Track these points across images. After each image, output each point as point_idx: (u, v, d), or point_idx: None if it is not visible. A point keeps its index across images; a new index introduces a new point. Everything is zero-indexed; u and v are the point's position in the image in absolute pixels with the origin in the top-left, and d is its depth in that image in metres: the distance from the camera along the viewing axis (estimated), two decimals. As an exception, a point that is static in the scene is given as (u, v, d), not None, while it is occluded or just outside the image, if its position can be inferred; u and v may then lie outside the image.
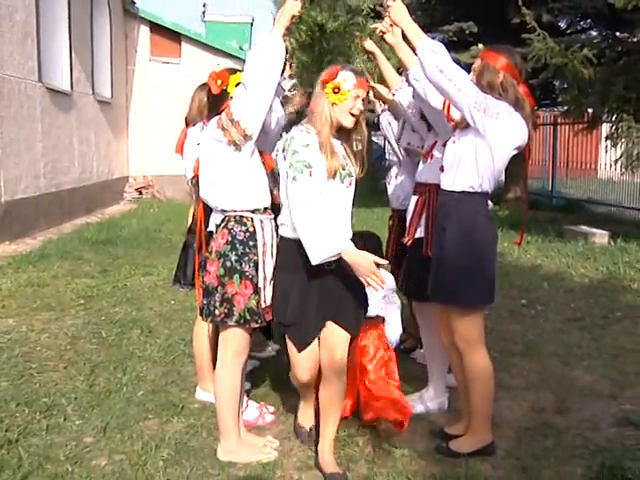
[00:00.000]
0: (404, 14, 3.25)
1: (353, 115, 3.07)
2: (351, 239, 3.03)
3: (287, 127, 3.95)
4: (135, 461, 3.23)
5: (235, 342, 3.21)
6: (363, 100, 3.10)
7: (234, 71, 3.41)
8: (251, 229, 3.16)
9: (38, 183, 9.99)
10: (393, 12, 3.28)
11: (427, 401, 3.89)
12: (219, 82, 3.37)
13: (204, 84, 3.71)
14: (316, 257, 2.89)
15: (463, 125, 3.27)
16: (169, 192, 14.95)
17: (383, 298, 3.69)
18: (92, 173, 12.61)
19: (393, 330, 3.78)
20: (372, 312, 3.47)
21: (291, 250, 3.06)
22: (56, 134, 10.73)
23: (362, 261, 2.88)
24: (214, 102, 3.40)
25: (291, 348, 3.18)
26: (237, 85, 3.27)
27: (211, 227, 3.48)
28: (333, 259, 2.90)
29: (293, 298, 3.08)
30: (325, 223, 2.91)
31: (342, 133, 3.14)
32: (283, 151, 3.06)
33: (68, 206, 11.12)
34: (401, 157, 4.40)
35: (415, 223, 3.84)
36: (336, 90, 3.04)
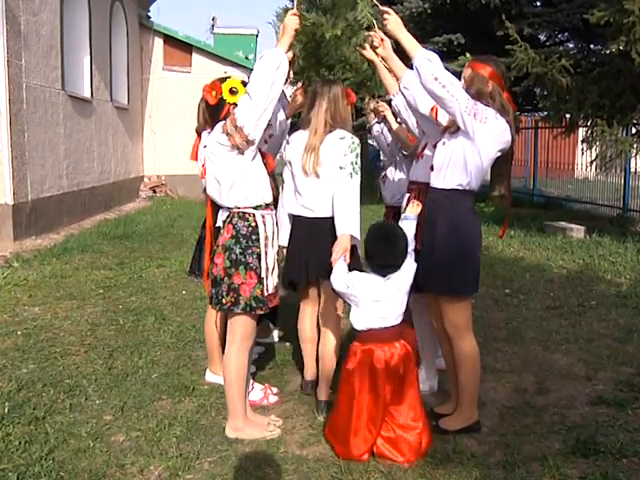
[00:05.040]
0: (400, 26, 3.24)
1: None
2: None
3: (290, 128, 3.95)
4: (150, 437, 3.24)
5: (242, 328, 3.21)
6: None
7: (223, 80, 3.38)
8: (253, 224, 3.16)
9: (61, 182, 9.97)
10: (390, 24, 3.26)
11: (419, 383, 3.88)
12: (214, 93, 3.34)
13: None
14: (358, 234, 3.36)
15: (453, 129, 3.25)
16: (181, 190, 14.94)
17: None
18: (110, 173, 12.59)
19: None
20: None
21: (306, 224, 3.54)
22: (77, 138, 10.70)
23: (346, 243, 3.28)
24: (213, 111, 3.38)
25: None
26: (230, 89, 3.24)
27: (219, 223, 3.48)
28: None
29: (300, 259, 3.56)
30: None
31: None
32: (350, 149, 3.41)
33: (88, 204, 11.10)
34: (398, 157, 4.39)
35: None
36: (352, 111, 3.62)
